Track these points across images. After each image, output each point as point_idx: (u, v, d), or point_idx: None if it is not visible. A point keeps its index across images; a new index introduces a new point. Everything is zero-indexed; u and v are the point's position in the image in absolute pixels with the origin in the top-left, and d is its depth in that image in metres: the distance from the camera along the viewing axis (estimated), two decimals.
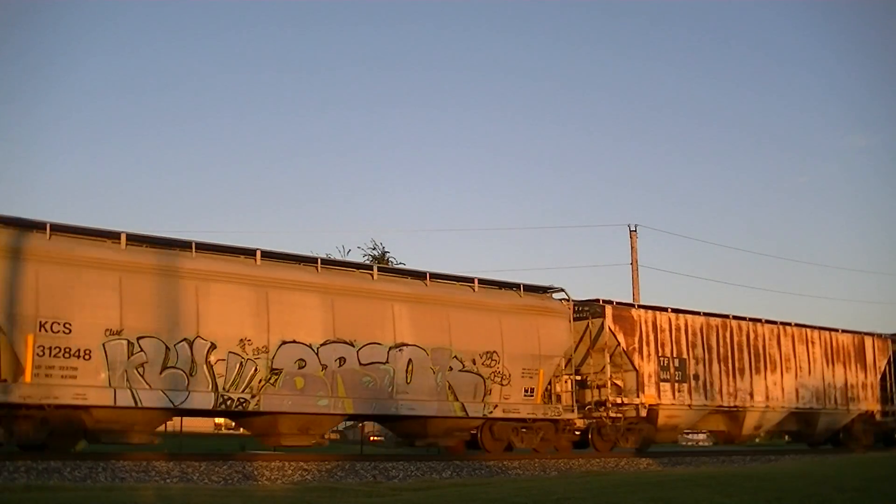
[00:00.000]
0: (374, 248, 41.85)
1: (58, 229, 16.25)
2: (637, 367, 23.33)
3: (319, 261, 19.08)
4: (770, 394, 26.48)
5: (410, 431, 20.47)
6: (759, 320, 26.78)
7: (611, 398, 22.92)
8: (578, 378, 23.41)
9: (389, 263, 39.29)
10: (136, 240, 17.06)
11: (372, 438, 39.58)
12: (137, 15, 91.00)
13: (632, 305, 24.09)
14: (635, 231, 37.03)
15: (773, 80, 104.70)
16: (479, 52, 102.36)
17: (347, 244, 46.34)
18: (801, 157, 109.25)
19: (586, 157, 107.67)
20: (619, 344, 23.21)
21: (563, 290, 22.37)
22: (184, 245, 17.51)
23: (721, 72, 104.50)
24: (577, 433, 23.37)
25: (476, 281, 21.08)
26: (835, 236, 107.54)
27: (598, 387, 23.43)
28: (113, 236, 16.85)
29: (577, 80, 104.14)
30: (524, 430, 21.33)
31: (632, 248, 36.86)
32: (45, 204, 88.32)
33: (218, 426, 54.01)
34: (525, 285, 21.97)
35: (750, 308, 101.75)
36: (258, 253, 18.14)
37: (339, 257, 37.93)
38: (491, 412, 20.40)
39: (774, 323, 27.19)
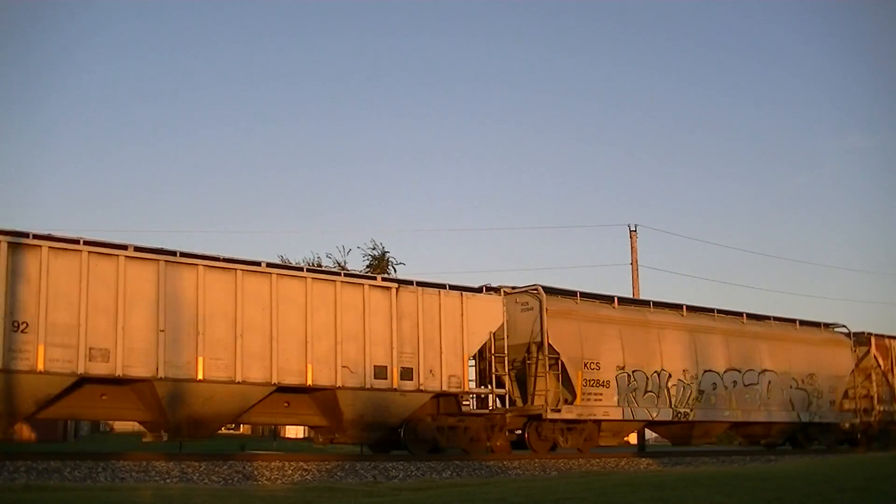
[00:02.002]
0: (374, 248, 41.31)
1: (585, 296, 23.10)
2: (891, 383, 30.65)
3: (716, 311, 26.04)
4: None
5: (755, 433, 27.61)
6: None
7: (877, 407, 30.21)
8: None
9: (389, 263, 39.69)
10: (622, 301, 23.97)
11: None
12: (138, 20, 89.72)
13: (883, 336, 31.29)
14: (635, 231, 37.39)
15: (773, 80, 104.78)
16: (479, 53, 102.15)
17: (347, 244, 45.53)
18: (801, 157, 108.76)
19: (586, 158, 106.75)
20: (879, 366, 30.51)
21: (845, 325, 29.71)
22: (643, 303, 24.44)
23: (720, 72, 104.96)
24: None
25: (797, 321, 28.23)
26: (834, 236, 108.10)
27: (856, 398, 30.64)
28: (608, 299, 23.72)
29: (577, 81, 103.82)
30: (825, 431, 28.52)
31: (632, 248, 37.24)
32: (46, 206, 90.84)
33: None
34: (824, 323, 29.22)
35: (749, 308, 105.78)
36: (684, 307, 25.10)
37: (339, 258, 39.27)
38: (812, 418, 27.57)
39: None
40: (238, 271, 17.84)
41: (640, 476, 14.77)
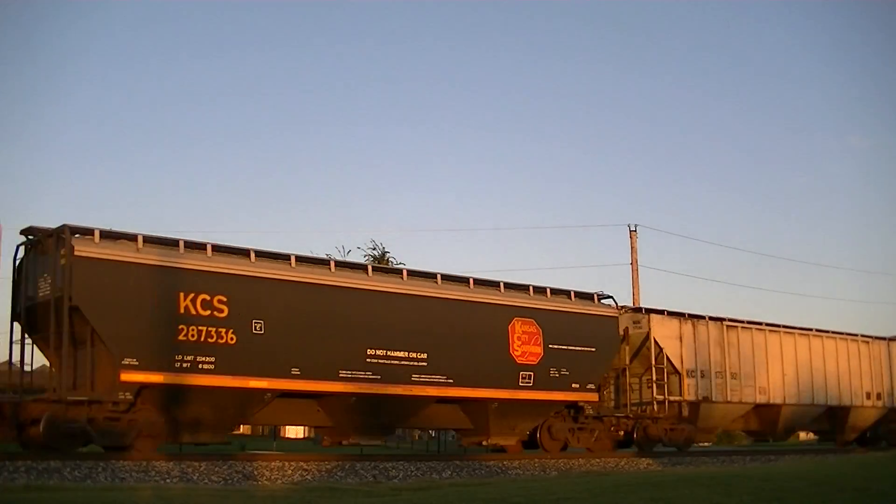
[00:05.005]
0: (374, 249, 41.54)
1: None
2: None
3: None
4: None
5: None
6: None
7: None
8: None
9: (389, 263, 39.52)
10: None
11: None
12: (138, 18, 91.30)
13: None
14: (635, 231, 37.49)
15: (773, 81, 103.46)
16: (478, 53, 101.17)
17: (347, 244, 45.79)
18: (801, 157, 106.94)
19: (586, 157, 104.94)
20: None
21: None
22: None
23: (720, 72, 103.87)
24: None
25: None
26: (835, 236, 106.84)
27: None
28: None
29: (577, 81, 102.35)
30: None
31: (632, 248, 37.27)
32: (47, 206, 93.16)
33: None
34: None
35: (749, 308, 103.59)
36: None
37: (339, 257, 38.66)
38: None
39: None
40: (799, 335, 28.45)
41: (640, 476, 15.04)
